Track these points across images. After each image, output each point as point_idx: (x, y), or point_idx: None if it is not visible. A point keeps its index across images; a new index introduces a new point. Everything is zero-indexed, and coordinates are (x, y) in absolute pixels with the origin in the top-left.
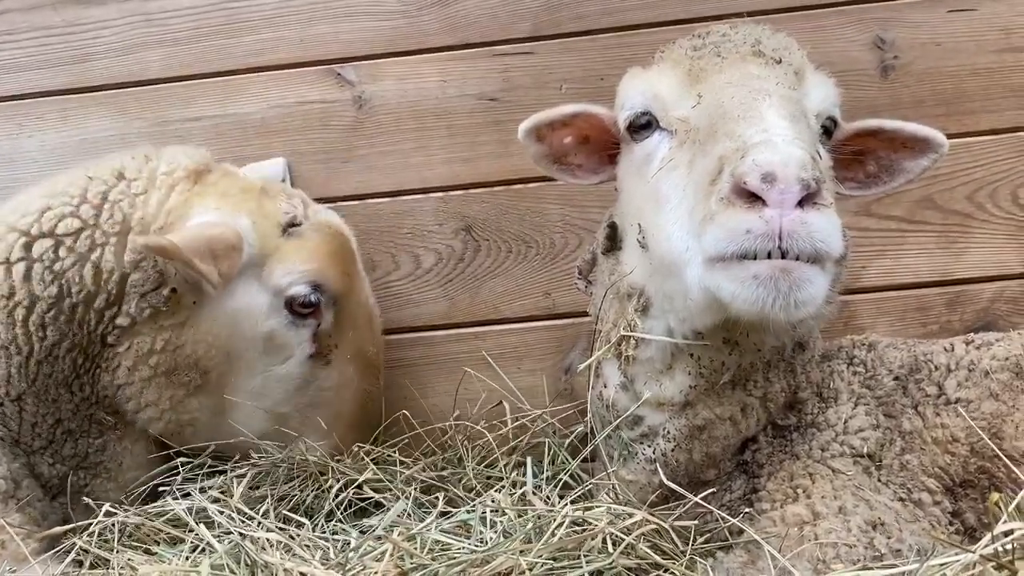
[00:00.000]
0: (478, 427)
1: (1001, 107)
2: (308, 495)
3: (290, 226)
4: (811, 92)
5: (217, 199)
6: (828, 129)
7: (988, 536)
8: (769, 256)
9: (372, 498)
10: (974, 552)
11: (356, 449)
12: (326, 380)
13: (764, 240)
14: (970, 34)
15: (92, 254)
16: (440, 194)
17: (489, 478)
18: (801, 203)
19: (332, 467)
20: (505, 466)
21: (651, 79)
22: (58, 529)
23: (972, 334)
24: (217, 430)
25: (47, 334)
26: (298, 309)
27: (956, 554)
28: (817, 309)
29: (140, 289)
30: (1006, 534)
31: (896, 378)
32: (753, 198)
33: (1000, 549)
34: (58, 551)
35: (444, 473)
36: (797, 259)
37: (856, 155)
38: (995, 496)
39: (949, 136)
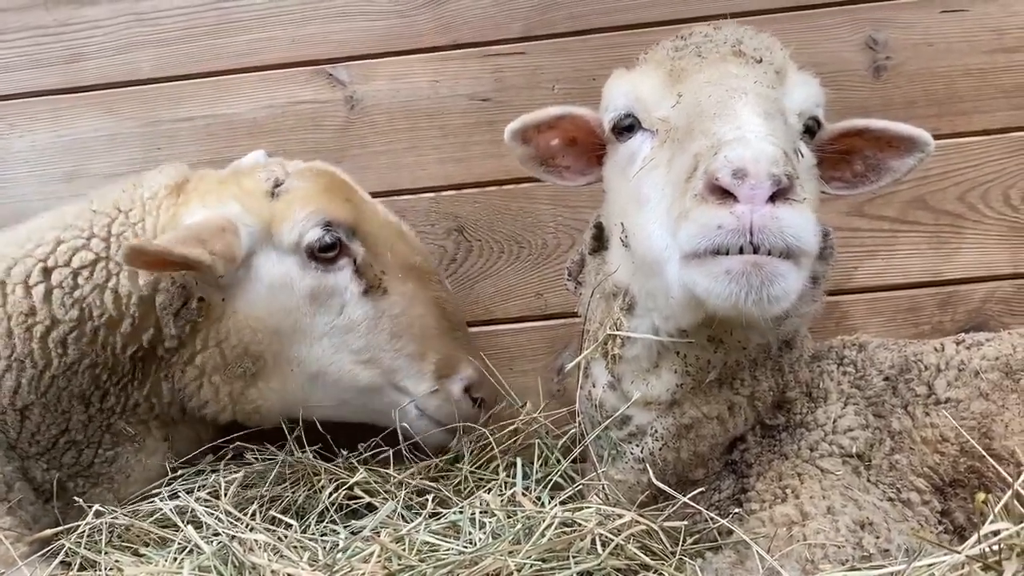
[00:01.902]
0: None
1: (993, 108)
2: (300, 495)
3: (275, 187)
4: (793, 91)
5: (199, 199)
6: (811, 129)
7: (975, 536)
8: (741, 252)
9: (365, 501)
10: (961, 552)
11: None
12: (392, 307)
13: (735, 235)
14: (962, 35)
15: (109, 282)
16: (432, 194)
17: (481, 479)
18: (774, 199)
19: (324, 468)
20: (498, 467)
21: (634, 80)
22: (48, 532)
23: (963, 334)
24: (301, 405)
25: (67, 352)
26: (322, 255)
27: (943, 554)
28: (792, 305)
29: (170, 309)
30: (994, 534)
31: (886, 378)
32: (726, 194)
33: (987, 549)
34: (46, 552)
35: (434, 480)
36: (769, 254)
37: (843, 155)
38: (982, 495)
39: (941, 136)
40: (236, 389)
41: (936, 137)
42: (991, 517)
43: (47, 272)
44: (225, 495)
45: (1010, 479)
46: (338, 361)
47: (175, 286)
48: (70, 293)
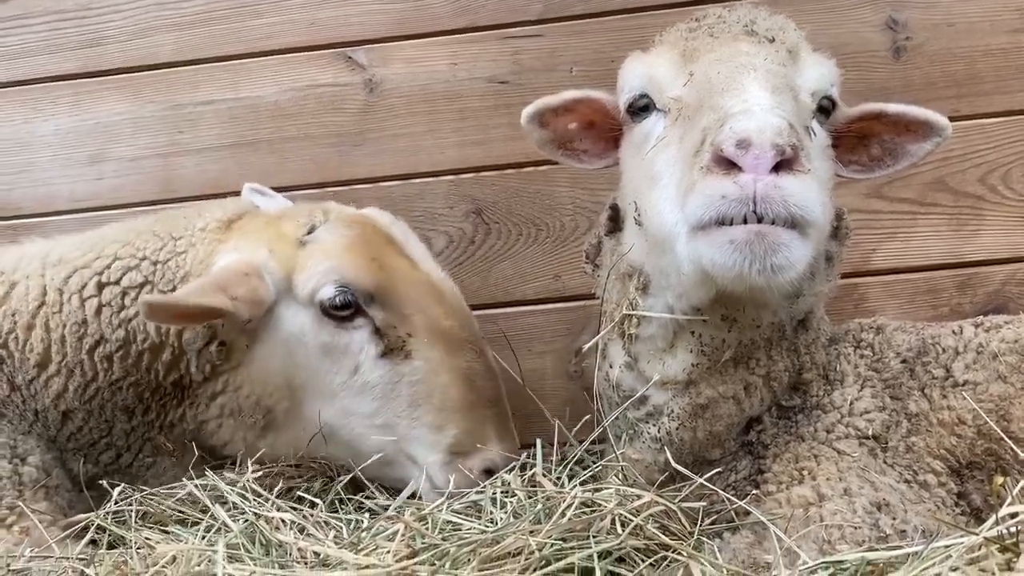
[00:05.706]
0: None
1: (1014, 88)
2: (316, 486)
3: (307, 234)
4: (806, 71)
5: (236, 240)
6: (825, 108)
7: (993, 518)
8: (746, 222)
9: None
10: (978, 534)
11: None
12: (413, 373)
13: (739, 205)
14: (984, 14)
15: None
16: (451, 177)
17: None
18: (778, 169)
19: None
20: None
21: (649, 62)
22: (81, 516)
23: (981, 316)
24: (317, 455)
25: (113, 369)
26: (336, 312)
27: (961, 536)
28: (798, 276)
29: (193, 347)
30: (1011, 516)
31: (903, 360)
32: (731, 165)
33: (1005, 531)
34: (75, 530)
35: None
36: (773, 223)
37: (860, 138)
38: (999, 479)
39: (961, 118)
40: (249, 436)
41: (957, 118)
42: (1009, 499)
43: (100, 287)
44: (248, 475)
45: None
46: (351, 423)
47: (202, 326)
48: (117, 313)
